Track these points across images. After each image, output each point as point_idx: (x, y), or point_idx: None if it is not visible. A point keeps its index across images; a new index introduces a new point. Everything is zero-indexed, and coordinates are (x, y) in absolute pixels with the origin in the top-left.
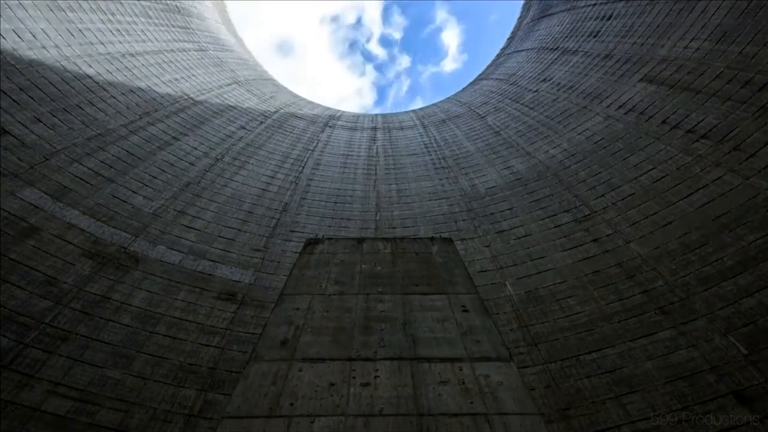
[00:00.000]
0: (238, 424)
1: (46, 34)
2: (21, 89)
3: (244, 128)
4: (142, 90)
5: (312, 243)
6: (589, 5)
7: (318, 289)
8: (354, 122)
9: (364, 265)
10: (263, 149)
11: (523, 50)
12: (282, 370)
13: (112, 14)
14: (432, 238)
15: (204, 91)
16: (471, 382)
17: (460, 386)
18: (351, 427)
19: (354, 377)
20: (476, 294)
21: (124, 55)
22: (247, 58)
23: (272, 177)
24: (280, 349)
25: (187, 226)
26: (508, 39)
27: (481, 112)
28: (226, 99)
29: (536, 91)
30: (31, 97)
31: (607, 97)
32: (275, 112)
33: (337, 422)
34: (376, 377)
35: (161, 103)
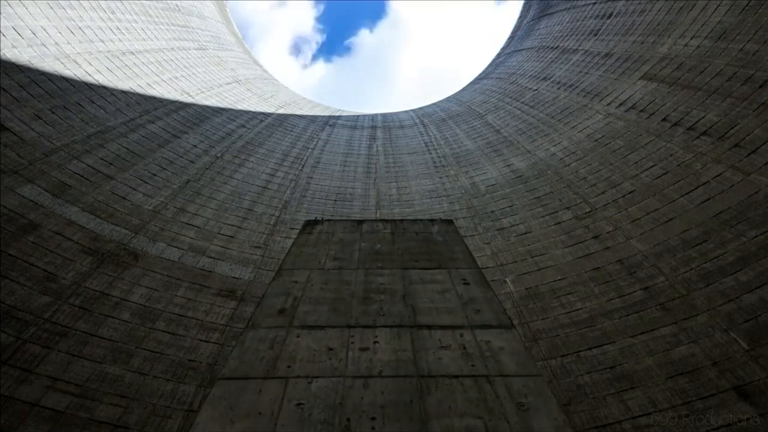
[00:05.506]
0: (234, 384)
1: (46, 31)
2: (21, 86)
3: (244, 126)
4: (142, 88)
5: (311, 224)
6: (589, 4)
7: (317, 264)
8: (354, 121)
9: (363, 244)
10: (263, 147)
11: (523, 49)
12: (279, 336)
13: (113, 12)
14: (432, 220)
15: (204, 90)
16: (472, 347)
17: (460, 351)
18: (350, 388)
19: (353, 342)
20: (477, 269)
21: (124, 53)
22: (247, 57)
23: (272, 175)
24: (278, 317)
25: (186, 223)
26: (509, 38)
27: (481, 111)
28: (225, 97)
29: (536, 89)
30: (31, 95)
31: (608, 95)
32: (275, 110)
33: (336, 383)
34: (375, 342)
35: (161, 101)
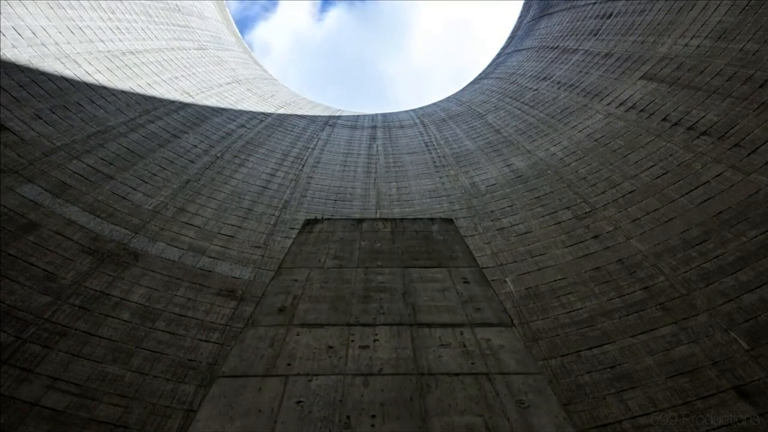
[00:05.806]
0: (233, 382)
1: (46, 31)
2: (21, 86)
3: (244, 126)
4: (142, 88)
5: (310, 223)
6: (589, 4)
7: (317, 263)
8: (354, 121)
9: (363, 242)
10: (263, 147)
11: (524, 49)
12: (279, 334)
13: (113, 12)
14: (432, 219)
15: (204, 90)
16: (472, 345)
17: (461, 349)
18: (350, 385)
19: (353, 340)
20: (477, 267)
21: (124, 53)
22: (247, 57)
23: (272, 175)
24: (278, 316)
25: (186, 223)
26: (509, 38)
27: (481, 111)
28: (226, 97)
29: (536, 89)
30: (31, 94)
31: (608, 95)
32: (275, 110)
33: (336, 380)
34: (375, 341)
35: (161, 101)
